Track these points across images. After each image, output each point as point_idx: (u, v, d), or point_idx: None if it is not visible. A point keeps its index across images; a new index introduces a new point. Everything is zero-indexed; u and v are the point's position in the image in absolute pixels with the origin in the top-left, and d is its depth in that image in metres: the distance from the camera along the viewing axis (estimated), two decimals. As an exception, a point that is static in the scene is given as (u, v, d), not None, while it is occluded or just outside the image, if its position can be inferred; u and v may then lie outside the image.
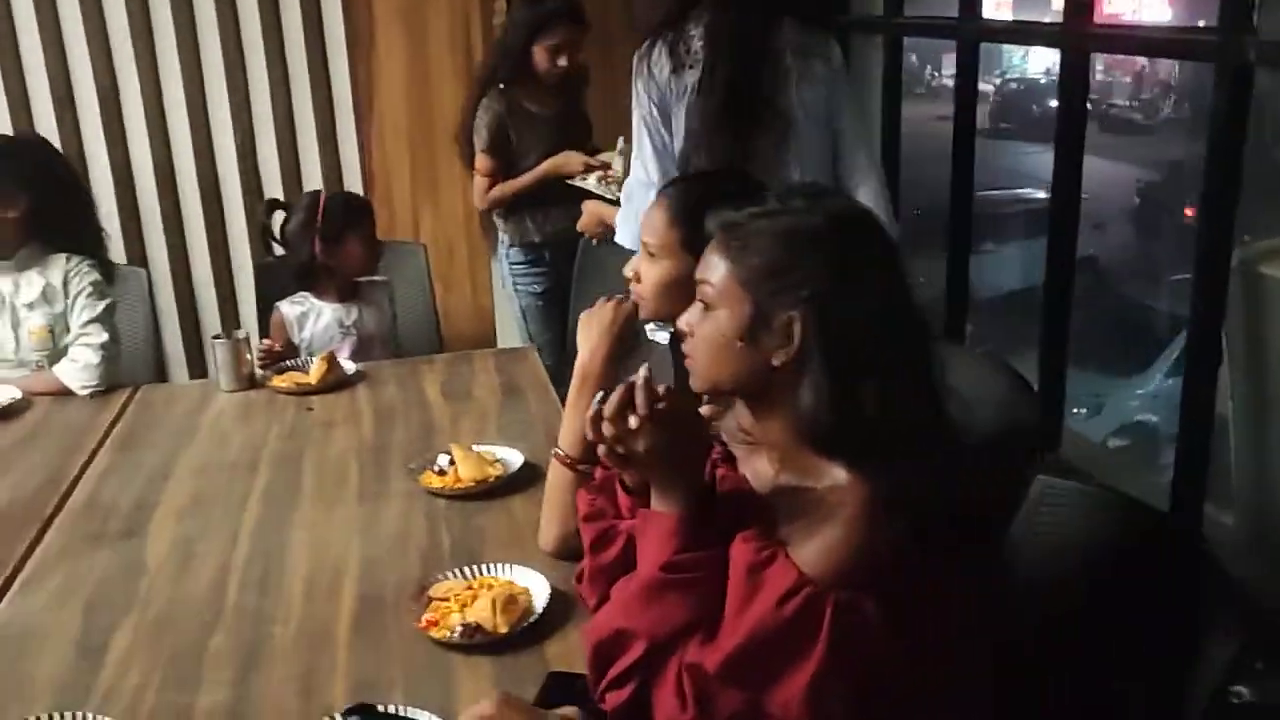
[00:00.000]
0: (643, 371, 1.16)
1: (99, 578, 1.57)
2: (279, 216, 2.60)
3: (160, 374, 2.84)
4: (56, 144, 2.98)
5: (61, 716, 1.23)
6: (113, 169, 3.46)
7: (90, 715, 1.23)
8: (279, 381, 2.33)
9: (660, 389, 1.17)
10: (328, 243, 2.54)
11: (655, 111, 2.24)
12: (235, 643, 1.40)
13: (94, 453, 2.03)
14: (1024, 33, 3.45)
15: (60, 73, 3.39)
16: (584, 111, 3.10)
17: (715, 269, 1.18)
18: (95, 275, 2.45)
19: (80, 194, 2.52)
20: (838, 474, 1.12)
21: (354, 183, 3.37)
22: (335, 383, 2.34)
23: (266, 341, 2.50)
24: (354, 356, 2.58)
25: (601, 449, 1.18)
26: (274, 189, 3.44)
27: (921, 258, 3.03)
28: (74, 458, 2.01)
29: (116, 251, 2.96)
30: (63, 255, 2.44)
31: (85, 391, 2.34)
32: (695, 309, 1.21)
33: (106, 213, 3.07)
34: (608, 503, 1.30)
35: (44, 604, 1.51)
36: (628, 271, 1.67)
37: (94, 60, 3.37)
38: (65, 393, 2.34)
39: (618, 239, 2.35)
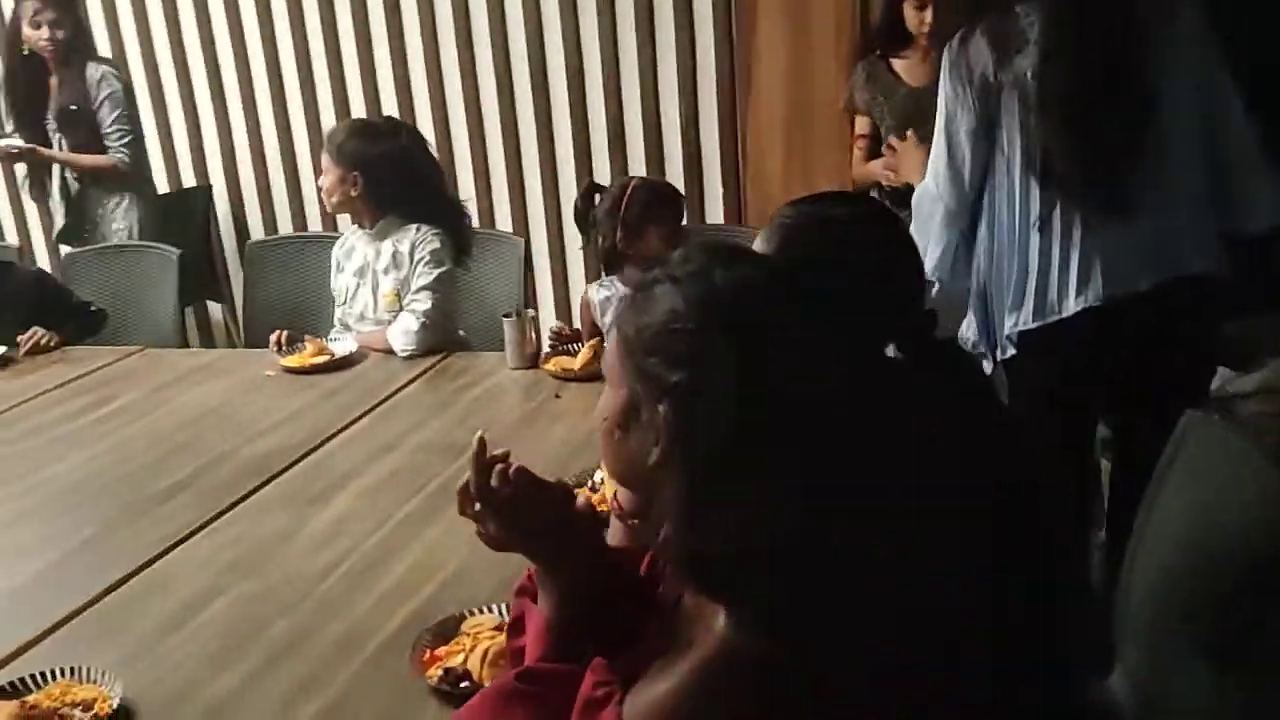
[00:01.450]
0: (474, 443, 1.02)
1: (253, 543, 1.73)
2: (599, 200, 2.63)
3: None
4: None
5: (66, 672, 1.36)
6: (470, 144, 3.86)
7: (105, 674, 1.35)
8: (550, 366, 2.39)
9: (513, 469, 1.02)
10: (628, 231, 2.52)
11: (972, 115, 1.92)
12: (288, 633, 1.47)
13: (361, 415, 2.24)
14: None
15: (434, 60, 3.83)
16: None
17: (609, 338, 0.99)
18: (436, 244, 2.67)
19: (421, 170, 2.73)
20: (720, 613, 0.90)
21: (727, 162, 3.34)
22: (600, 371, 2.34)
23: (557, 324, 2.57)
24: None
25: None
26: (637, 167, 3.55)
27: None
28: (347, 416, 2.24)
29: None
30: (414, 225, 2.70)
31: (403, 354, 2.58)
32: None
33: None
34: None
35: (195, 563, 1.69)
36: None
37: (459, 50, 3.75)
38: (392, 351, 2.61)
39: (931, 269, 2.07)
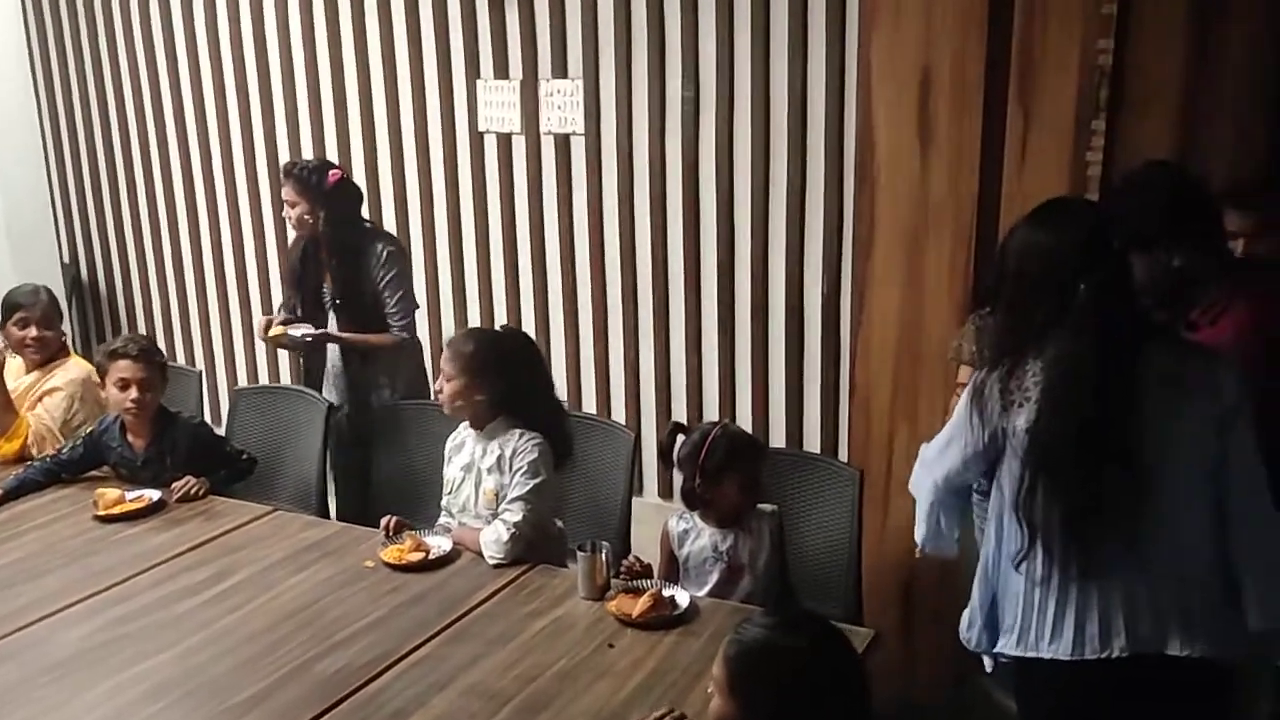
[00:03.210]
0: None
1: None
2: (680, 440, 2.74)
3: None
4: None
5: None
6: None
7: None
8: (612, 606, 2.49)
9: None
10: (706, 478, 2.63)
11: (973, 444, 1.99)
12: None
13: (431, 637, 2.41)
14: None
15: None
16: None
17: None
18: (534, 455, 2.83)
19: (533, 377, 2.93)
20: None
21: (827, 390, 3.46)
22: (657, 620, 2.43)
23: (630, 558, 2.68)
24: (719, 587, 2.65)
25: None
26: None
27: None
28: (417, 636, 2.42)
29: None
30: (519, 431, 2.89)
31: (491, 562, 2.75)
32: None
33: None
34: None
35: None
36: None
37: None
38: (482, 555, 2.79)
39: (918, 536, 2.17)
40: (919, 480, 2.16)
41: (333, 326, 3.70)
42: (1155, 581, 1.85)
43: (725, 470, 2.62)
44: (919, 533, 2.18)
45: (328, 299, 3.72)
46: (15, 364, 3.64)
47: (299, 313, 3.75)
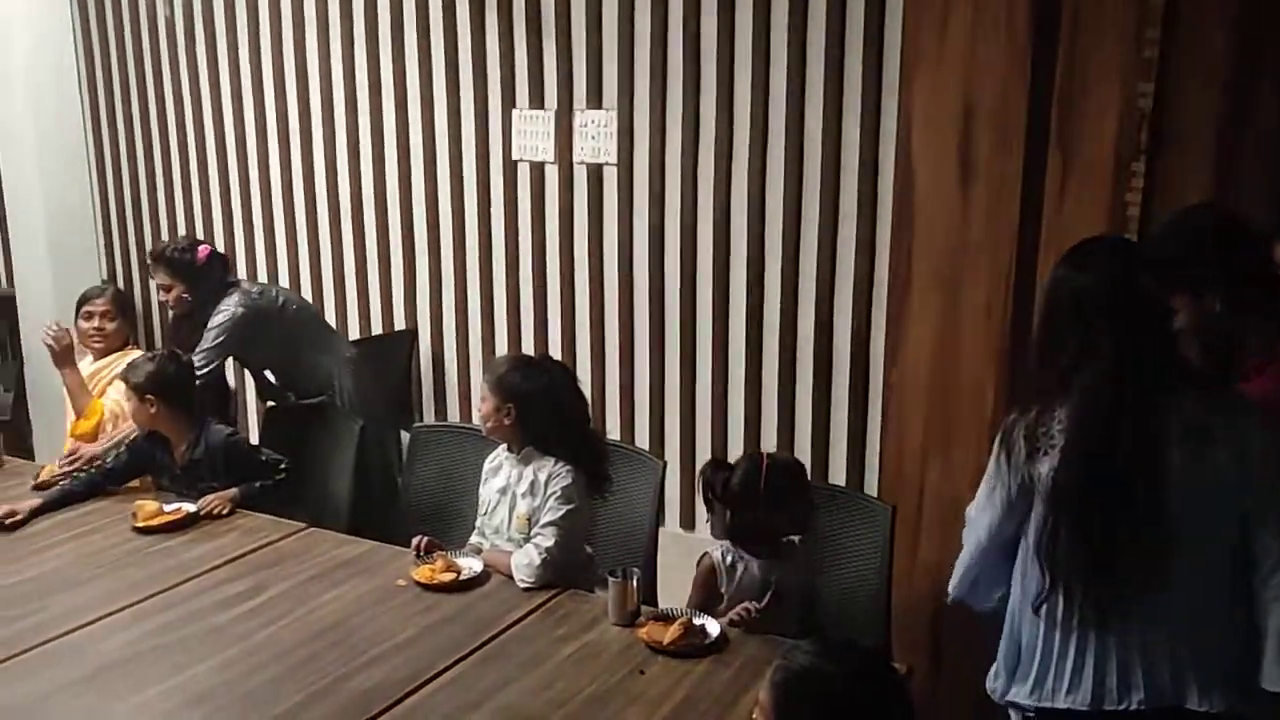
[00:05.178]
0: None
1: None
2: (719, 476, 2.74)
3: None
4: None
5: None
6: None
7: None
8: (643, 632, 2.50)
9: None
10: (768, 506, 2.63)
11: (1006, 487, 1.97)
12: None
13: (461, 658, 2.42)
14: None
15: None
16: None
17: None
18: (568, 481, 2.86)
19: (568, 408, 2.94)
20: None
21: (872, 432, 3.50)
22: (688, 649, 2.43)
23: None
24: (763, 616, 2.64)
25: None
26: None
27: None
28: (449, 655, 2.43)
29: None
30: (552, 458, 2.91)
31: (522, 585, 2.77)
32: None
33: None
34: None
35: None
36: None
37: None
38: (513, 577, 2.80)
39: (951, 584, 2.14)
40: (966, 538, 2.12)
41: None
42: (1174, 633, 1.83)
43: (787, 495, 2.63)
44: (953, 581, 2.13)
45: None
46: (87, 357, 3.81)
47: None
